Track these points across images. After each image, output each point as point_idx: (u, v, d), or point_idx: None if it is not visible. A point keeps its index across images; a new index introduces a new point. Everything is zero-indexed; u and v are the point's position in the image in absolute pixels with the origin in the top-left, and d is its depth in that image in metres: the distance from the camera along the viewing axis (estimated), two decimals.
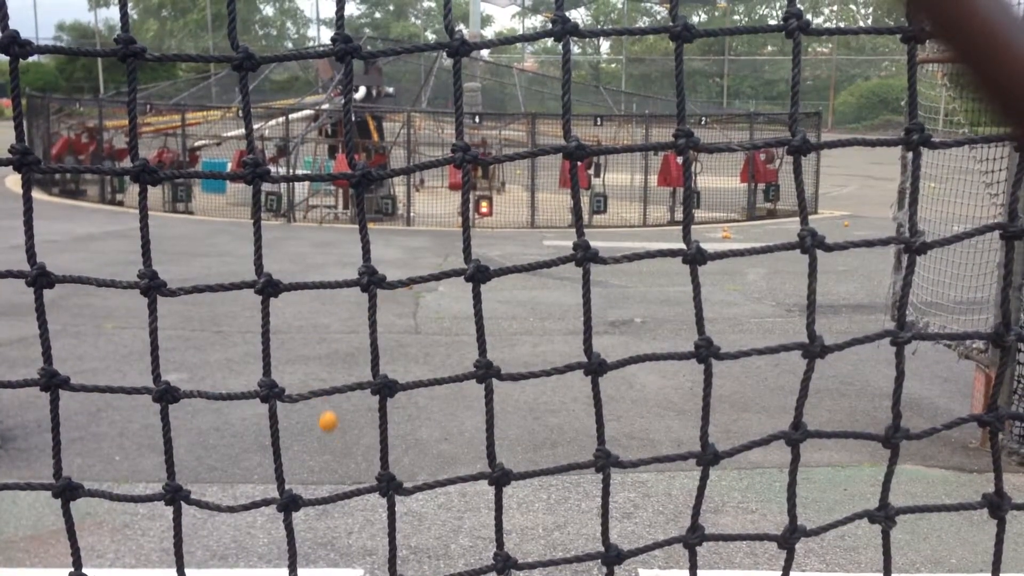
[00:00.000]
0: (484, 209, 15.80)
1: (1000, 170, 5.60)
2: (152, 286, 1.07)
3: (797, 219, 1.21)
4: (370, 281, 1.09)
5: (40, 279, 1.05)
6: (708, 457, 1.19)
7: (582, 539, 4.36)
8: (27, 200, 1.13)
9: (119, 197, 18.44)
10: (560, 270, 11.11)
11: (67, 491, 1.11)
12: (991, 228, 1.15)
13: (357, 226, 1.17)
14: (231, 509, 1.31)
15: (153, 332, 1.14)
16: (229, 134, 18.11)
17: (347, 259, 12.07)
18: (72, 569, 1.16)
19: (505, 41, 1.16)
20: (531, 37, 1.16)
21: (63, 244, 12.79)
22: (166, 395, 1.10)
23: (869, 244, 1.19)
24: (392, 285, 1.11)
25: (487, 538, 4.36)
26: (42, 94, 22.44)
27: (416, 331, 8.32)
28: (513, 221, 16.17)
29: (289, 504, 1.18)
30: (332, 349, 7.59)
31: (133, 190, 17.78)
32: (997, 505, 1.22)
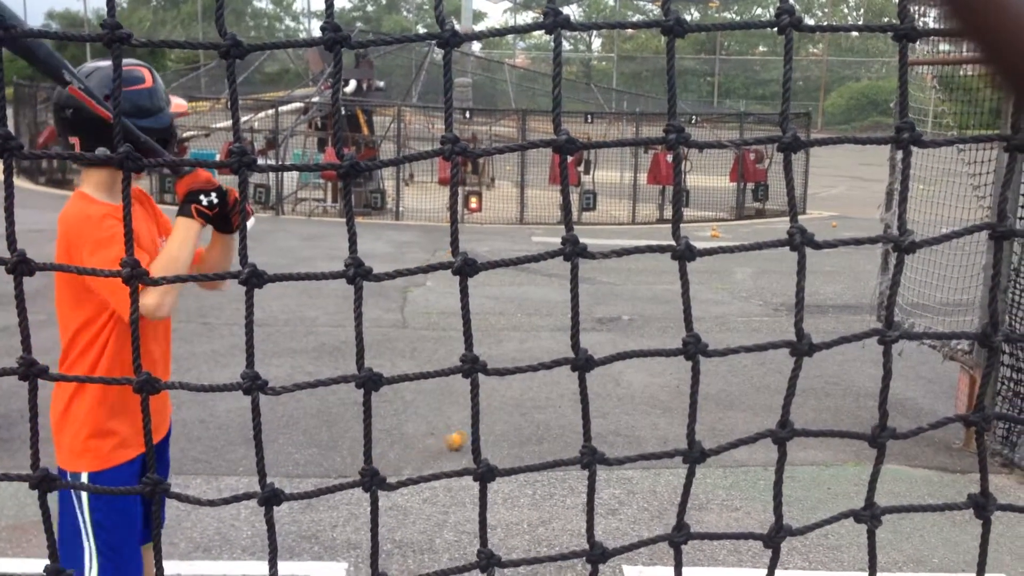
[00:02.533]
0: (473, 205, 15.78)
1: (988, 173, 5.62)
2: (134, 275, 1.05)
3: (785, 219, 1.21)
4: (356, 273, 1.08)
5: (20, 266, 1.04)
6: (695, 455, 1.18)
7: (567, 535, 4.36)
8: (9, 186, 1.12)
9: None
10: (548, 267, 11.12)
11: (44, 482, 1.09)
12: (980, 228, 1.15)
13: (345, 219, 1.16)
14: (211, 503, 1.30)
15: (134, 322, 1.12)
16: (217, 125, 18.03)
17: (335, 252, 12.03)
18: (48, 561, 1.14)
19: (497, 33, 1.15)
20: (523, 29, 1.15)
21: (49, 234, 12.67)
22: (146, 386, 1.09)
23: (858, 242, 1.19)
24: (378, 277, 1.10)
25: (472, 533, 4.35)
26: (29, 82, 22.30)
27: (404, 325, 8.31)
28: (502, 217, 16.16)
29: (270, 498, 1.17)
30: (319, 342, 7.57)
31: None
32: (982, 505, 1.22)
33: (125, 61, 2.52)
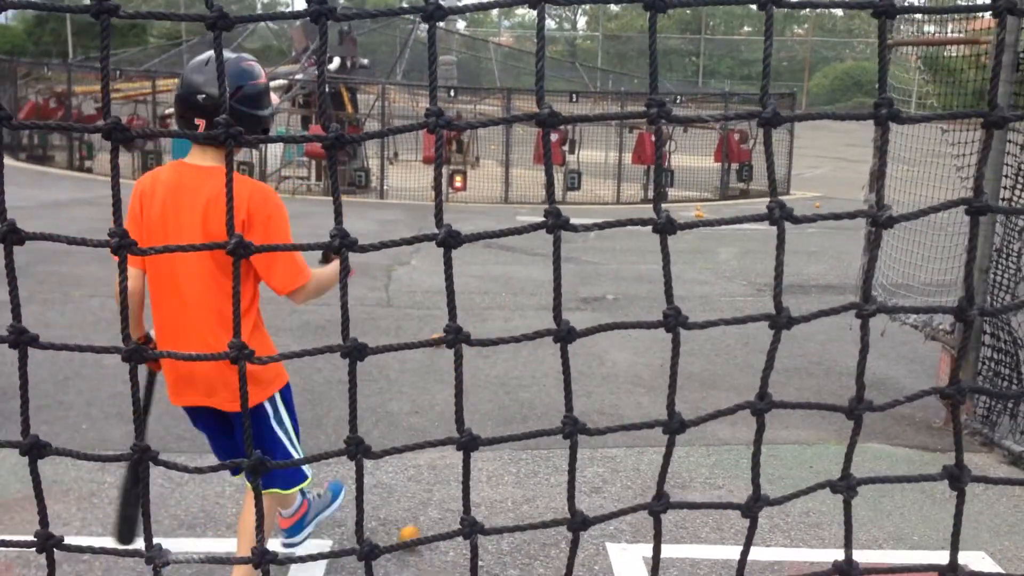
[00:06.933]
0: (458, 183, 15.76)
1: (971, 154, 5.66)
2: (122, 245, 1.06)
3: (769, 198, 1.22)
4: (342, 244, 1.08)
5: (9, 235, 1.04)
6: (674, 426, 1.20)
7: (551, 513, 4.39)
8: None
9: (88, 164, 18.23)
10: (533, 246, 11.12)
11: (34, 449, 1.10)
12: (957, 204, 1.17)
13: (330, 198, 1.16)
14: (199, 470, 1.31)
15: (123, 292, 1.13)
16: None
17: (320, 230, 11.94)
18: (39, 528, 1.15)
19: (482, 7, 1.16)
20: (509, 3, 1.16)
21: (29, 211, 12.62)
22: (135, 355, 1.10)
23: (836, 217, 1.20)
24: (364, 248, 1.10)
25: (456, 510, 4.37)
26: (9, 57, 22.08)
27: (388, 304, 8.31)
28: (487, 196, 16.15)
29: (256, 467, 1.18)
30: (303, 320, 7.56)
31: (102, 157, 17.58)
32: (957, 477, 1.24)
33: (243, 56, 3.12)
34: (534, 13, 1.14)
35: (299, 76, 17.03)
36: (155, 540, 1.28)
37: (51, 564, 1.20)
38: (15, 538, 1.21)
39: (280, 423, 3.22)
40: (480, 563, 3.62)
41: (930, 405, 5.81)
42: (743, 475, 4.86)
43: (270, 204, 2.96)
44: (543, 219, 1.17)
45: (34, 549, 1.15)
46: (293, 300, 3.11)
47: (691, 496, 4.60)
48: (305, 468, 3.36)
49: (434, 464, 4.79)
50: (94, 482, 4.48)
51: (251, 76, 3.03)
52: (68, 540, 3.59)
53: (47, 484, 4.36)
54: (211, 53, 3.05)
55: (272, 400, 3.20)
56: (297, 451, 3.28)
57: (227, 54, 3.04)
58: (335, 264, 3.23)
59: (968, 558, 4.03)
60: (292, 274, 3.02)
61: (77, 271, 8.87)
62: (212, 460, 4.77)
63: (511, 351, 6.66)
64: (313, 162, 16.63)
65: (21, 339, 1.07)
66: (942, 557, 4.06)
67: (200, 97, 2.92)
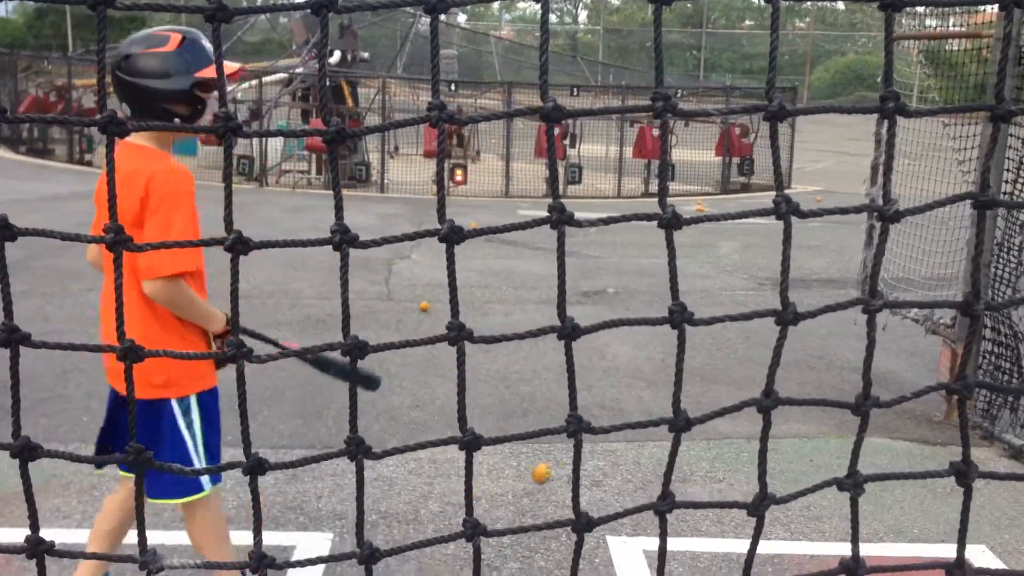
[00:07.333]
0: (459, 177, 15.74)
1: (972, 148, 5.64)
2: (118, 241, 1.05)
3: (771, 193, 1.21)
4: (343, 240, 1.07)
5: (1, 231, 1.03)
6: (680, 424, 1.19)
7: (552, 506, 4.39)
8: None
9: (88, 157, 18.21)
10: (534, 240, 11.11)
11: (25, 451, 1.08)
12: (963, 197, 1.16)
13: (331, 191, 1.15)
14: (195, 472, 1.30)
15: (118, 288, 1.11)
16: None
17: (320, 224, 11.98)
18: (30, 532, 1.14)
19: None
20: None
21: (28, 203, 12.60)
22: (130, 353, 1.09)
23: (843, 211, 1.19)
24: (364, 244, 1.09)
25: (457, 504, 4.37)
26: (9, 51, 22.05)
27: (388, 298, 8.30)
28: (488, 190, 16.13)
29: (255, 467, 1.17)
30: (304, 315, 7.55)
31: (102, 151, 17.55)
32: (964, 473, 1.23)
33: (160, 28, 2.93)
34: (535, 7, 1.13)
35: (299, 70, 17.00)
36: (154, 537, 1.26)
37: (42, 570, 1.19)
38: (5, 543, 1.20)
39: (189, 425, 2.98)
40: (481, 556, 3.60)
41: (931, 399, 5.80)
42: (743, 468, 4.85)
43: (170, 183, 2.79)
44: (547, 214, 1.16)
45: (24, 555, 1.13)
46: (151, 289, 2.81)
47: (692, 489, 4.60)
48: (203, 479, 2.99)
49: (435, 458, 4.78)
50: (94, 475, 4.47)
51: (143, 43, 2.83)
52: (68, 534, 3.58)
53: (46, 478, 4.37)
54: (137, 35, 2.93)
55: (184, 401, 2.97)
56: (200, 460, 2.95)
57: (145, 31, 2.92)
58: (219, 320, 3.01)
59: (969, 552, 4.01)
60: (159, 261, 2.77)
61: (76, 264, 8.84)
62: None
63: (512, 345, 6.65)
64: (314, 156, 16.60)
65: (13, 338, 1.06)
66: (943, 550, 4.06)
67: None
